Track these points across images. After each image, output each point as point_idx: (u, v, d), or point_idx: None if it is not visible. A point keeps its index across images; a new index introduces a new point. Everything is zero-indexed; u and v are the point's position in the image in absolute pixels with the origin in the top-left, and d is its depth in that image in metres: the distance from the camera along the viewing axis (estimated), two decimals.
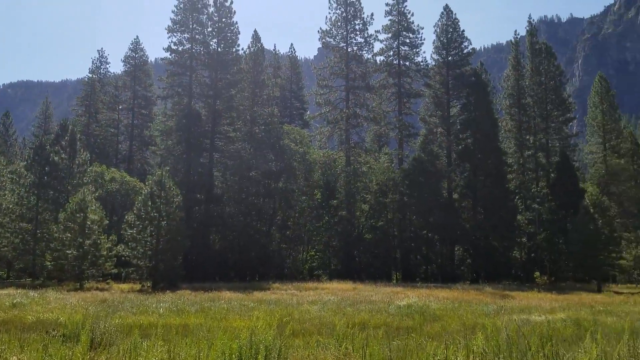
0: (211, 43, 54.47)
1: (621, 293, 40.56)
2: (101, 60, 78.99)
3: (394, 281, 52.07)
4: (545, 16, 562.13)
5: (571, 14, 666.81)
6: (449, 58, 61.10)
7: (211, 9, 54.18)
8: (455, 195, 57.58)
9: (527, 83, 62.46)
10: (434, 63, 62.61)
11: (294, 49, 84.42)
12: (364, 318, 19.53)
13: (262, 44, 62.81)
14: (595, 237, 44.96)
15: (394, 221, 56.05)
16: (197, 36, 53.96)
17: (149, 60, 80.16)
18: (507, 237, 53.76)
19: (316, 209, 55.31)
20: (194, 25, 53.77)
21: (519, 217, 56.39)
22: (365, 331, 13.82)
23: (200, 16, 53.90)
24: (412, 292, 34.18)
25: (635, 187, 61.84)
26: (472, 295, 33.54)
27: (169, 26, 54.02)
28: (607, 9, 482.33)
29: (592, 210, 46.74)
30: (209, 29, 54.21)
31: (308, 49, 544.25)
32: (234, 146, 53.80)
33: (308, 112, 76.01)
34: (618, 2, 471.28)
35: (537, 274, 58.04)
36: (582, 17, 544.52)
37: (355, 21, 59.72)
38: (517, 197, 57.79)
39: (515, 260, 57.19)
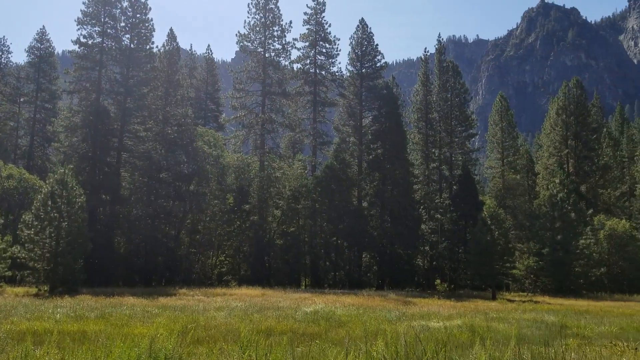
0: (124, 38, 52.57)
1: (513, 301, 43.42)
2: (2, 49, 73.79)
3: (303, 287, 52.63)
4: (453, 36, 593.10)
5: (477, 36, 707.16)
6: (363, 70, 62.92)
7: (125, 4, 52.31)
8: (365, 203, 59.26)
9: (434, 99, 65.57)
10: (348, 74, 64.23)
11: (211, 51, 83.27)
12: (270, 324, 19.70)
13: (177, 43, 61.45)
14: (492, 248, 47.89)
15: (305, 227, 56.71)
16: (109, 30, 51.87)
17: (56, 52, 75.72)
18: (411, 245, 56.05)
19: (228, 214, 54.80)
20: (106, 19, 51.65)
21: (423, 226, 58.97)
22: (270, 338, 14.01)
23: (113, 10, 51.87)
24: (319, 298, 34.79)
25: (528, 201, 66.52)
26: (377, 302, 34.68)
27: (78, 18, 51.45)
28: (510, 33, 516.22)
29: (489, 221, 49.78)
30: (122, 24, 52.29)
31: (226, 51, 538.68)
32: (144, 146, 52.14)
33: (223, 115, 75.15)
34: (520, 27, 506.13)
35: (438, 281, 60.94)
36: (487, 39, 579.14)
37: (274, 27, 60.00)
38: (422, 207, 60.41)
39: (418, 267, 59.73)
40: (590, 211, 58.81)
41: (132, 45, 52.64)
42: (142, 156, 51.46)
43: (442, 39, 70.19)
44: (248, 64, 60.30)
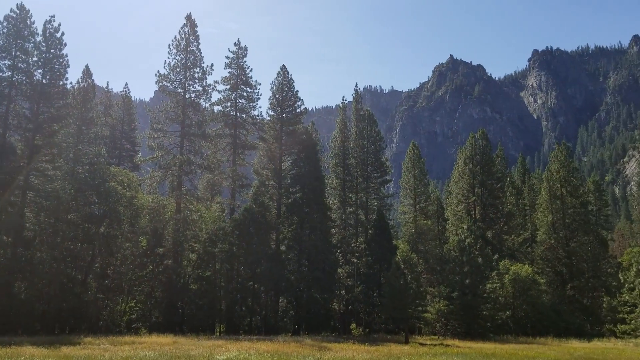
0: (36, 73, 50.41)
1: (425, 344, 44.55)
2: None
3: (218, 333, 51.22)
4: (370, 86, 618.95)
5: (392, 87, 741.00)
6: (283, 115, 64.08)
7: (39, 38, 50.42)
8: (283, 247, 59.26)
9: (351, 145, 67.71)
10: (269, 118, 65.13)
11: (128, 89, 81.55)
12: None
13: (93, 80, 59.85)
14: (404, 291, 49.17)
15: (221, 271, 55.63)
16: (20, 64, 49.61)
17: None
18: (328, 289, 56.39)
19: (140, 257, 52.72)
20: (18, 53, 49.42)
21: (339, 270, 59.70)
22: None
23: (26, 44, 49.81)
24: (234, 345, 34.07)
25: (439, 246, 69.36)
26: (292, 348, 34.45)
27: None
28: (422, 86, 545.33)
29: (402, 265, 51.31)
30: (35, 59, 50.21)
31: (144, 90, 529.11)
32: (52, 185, 49.54)
33: (139, 155, 73.17)
34: (431, 80, 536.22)
35: (354, 325, 61.43)
36: (401, 90, 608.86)
37: (195, 69, 60.00)
38: (338, 251, 61.29)
39: (334, 312, 60.05)
40: (496, 256, 62.18)
41: (44, 81, 50.57)
42: (50, 196, 48.81)
43: (359, 89, 73.22)
44: (167, 104, 59.65)
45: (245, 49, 65.63)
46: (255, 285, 55.01)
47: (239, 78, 65.01)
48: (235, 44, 65.47)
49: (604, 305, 62.18)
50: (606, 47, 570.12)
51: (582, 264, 69.92)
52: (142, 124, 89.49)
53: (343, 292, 60.24)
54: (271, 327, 52.93)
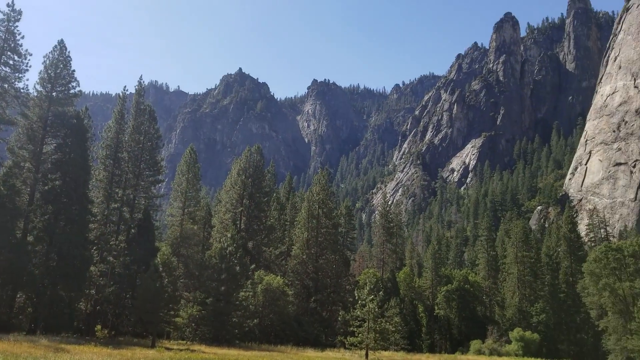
0: None
1: (171, 349, 44.58)
2: None
3: None
4: (156, 81, 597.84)
5: (179, 87, 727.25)
6: (54, 93, 58.39)
7: None
8: (31, 238, 53.52)
9: (126, 138, 64.72)
10: (36, 94, 58.68)
11: None
12: None
13: None
14: (159, 295, 48.67)
15: None
16: None
17: None
18: (76, 288, 52.54)
19: None
20: None
21: (92, 268, 56.19)
22: None
23: None
24: None
25: (202, 251, 70.03)
26: (24, 348, 31.76)
27: None
28: (209, 92, 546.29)
29: (161, 268, 50.75)
30: None
31: None
32: None
33: None
34: (218, 89, 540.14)
35: (99, 327, 58.25)
36: (188, 92, 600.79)
37: None
38: (95, 248, 57.76)
39: (80, 312, 56.18)
40: (253, 266, 65.36)
41: None
42: None
43: (144, 82, 70.48)
44: None
45: (20, 12, 58.24)
46: None
47: (7, 43, 57.31)
48: (8, 5, 57.81)
49: (339, 318, 69.69)
50: (373, 89, 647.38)
51: (326, 279, 77.42)
52: None
53: (93, 291, 56.81)
54: (3, 324, 47.27)
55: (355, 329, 57.53)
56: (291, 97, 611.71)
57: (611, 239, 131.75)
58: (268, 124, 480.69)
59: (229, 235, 61.81)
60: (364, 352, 55.77)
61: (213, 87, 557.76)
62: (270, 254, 79.27)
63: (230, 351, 46.87)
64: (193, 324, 57.85)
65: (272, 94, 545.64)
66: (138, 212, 63.12)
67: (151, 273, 49.54)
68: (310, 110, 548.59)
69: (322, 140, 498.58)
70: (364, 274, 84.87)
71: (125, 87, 68.89)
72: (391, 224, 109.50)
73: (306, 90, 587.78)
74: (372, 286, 58.38)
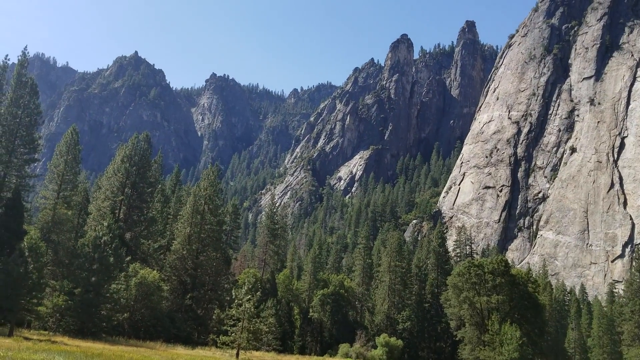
0: None
1: (31, 339, 42.18)
2: None
3: None
4: (42, 54, 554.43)
5: (67, 63, 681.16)
6: None
7: None
8: None
9: (2, 111, 60.23)
10: None
11: None
12: None
13: None
14: (22, 281, 45.78)
15: None
16: None
17: None
18: None
19: None
20: None
21: None
22: None
23: None
24: None
25: (74, 239, 66.21)
26: None
27: None
28: (100, 72, 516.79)
29: (27, 253, 47.72)
30: None
31: None
32: None
33: None
34: (110, 70, 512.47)
35: None
36: (77, 69, 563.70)
37: None
38: None
39: None
40: (129, 258, 63.20)
41: None
42: None
43: (29, 53, 65.88)
44: None
45: None
46: None
47: None
48: None
49: (214, 317, 69.33)
50: (272, 91, 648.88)
51: (205, 276, 76.67)
52: None
53: None
54: None
55: (229, 328, 57.76)
56: (188, 88, 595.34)
57: (475, 255, 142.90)
58: (160, 112, 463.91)
59: (105, 224, 59.37)
60: (234, 351, 56.14)
61: (105, 67, 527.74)
62: (148, 246, 77.05)
63: (95, 344, 45.19)
64: (57, 314, 54.75)
65: (167, 82, 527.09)
66: (7, 191, 58.94)
67: (15, 257, 46.48)
68: (206, 104, 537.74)
69: (216, 136, 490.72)
70: (244, 274, 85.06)
71: (7, 55, 64.02)
72: (276, 226, 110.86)
73: (204, 83, 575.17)
74: (250, 286, 58.97)
